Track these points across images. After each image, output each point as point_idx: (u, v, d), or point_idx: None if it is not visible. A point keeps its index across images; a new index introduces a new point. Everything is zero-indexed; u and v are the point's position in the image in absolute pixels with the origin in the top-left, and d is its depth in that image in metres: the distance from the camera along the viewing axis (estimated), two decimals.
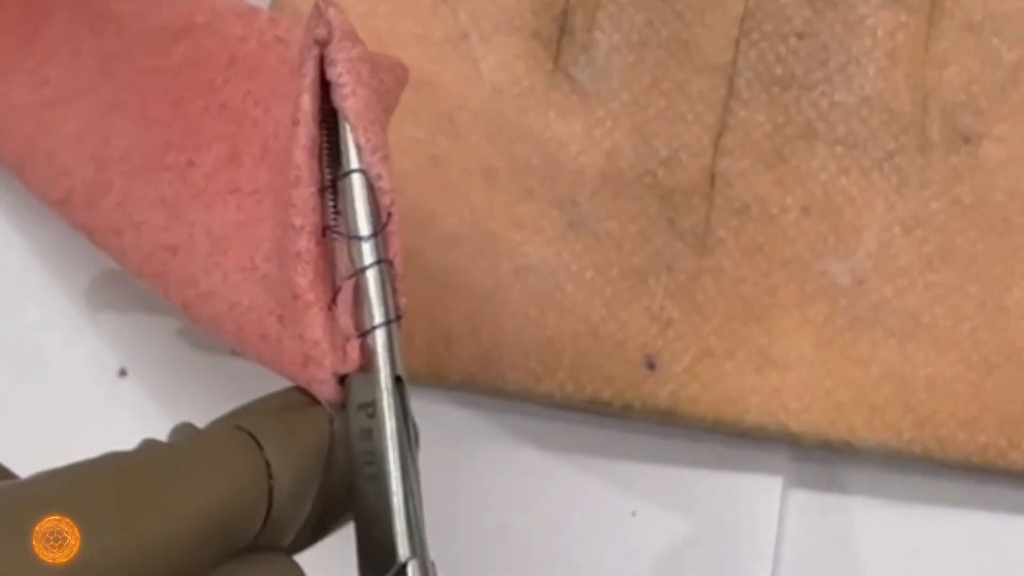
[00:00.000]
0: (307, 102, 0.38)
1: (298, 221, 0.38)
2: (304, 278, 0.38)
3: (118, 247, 0.45)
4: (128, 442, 0.48)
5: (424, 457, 0.38)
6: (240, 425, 0.36)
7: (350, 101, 0.37)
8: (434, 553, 0.37)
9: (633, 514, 0.48)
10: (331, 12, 0.38)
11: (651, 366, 0.47)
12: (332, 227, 0.37)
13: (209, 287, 0.42)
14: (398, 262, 0.38)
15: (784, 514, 0.48)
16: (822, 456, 0.48)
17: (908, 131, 0.47)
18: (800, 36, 0.47)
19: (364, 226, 0.37)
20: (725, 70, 0.47)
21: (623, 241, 0.47)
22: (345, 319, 0.37)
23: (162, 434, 0.48)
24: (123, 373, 0.49)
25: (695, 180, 0.47)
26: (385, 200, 0.37)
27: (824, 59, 0.47)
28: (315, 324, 0.38)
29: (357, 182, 0.37)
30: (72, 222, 0.46)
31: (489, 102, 0.47)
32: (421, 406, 0.38)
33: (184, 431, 0.37)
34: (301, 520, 0.36)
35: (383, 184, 0.37)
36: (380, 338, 0.37)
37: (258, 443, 0.36)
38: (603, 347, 0.47)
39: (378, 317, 0.37)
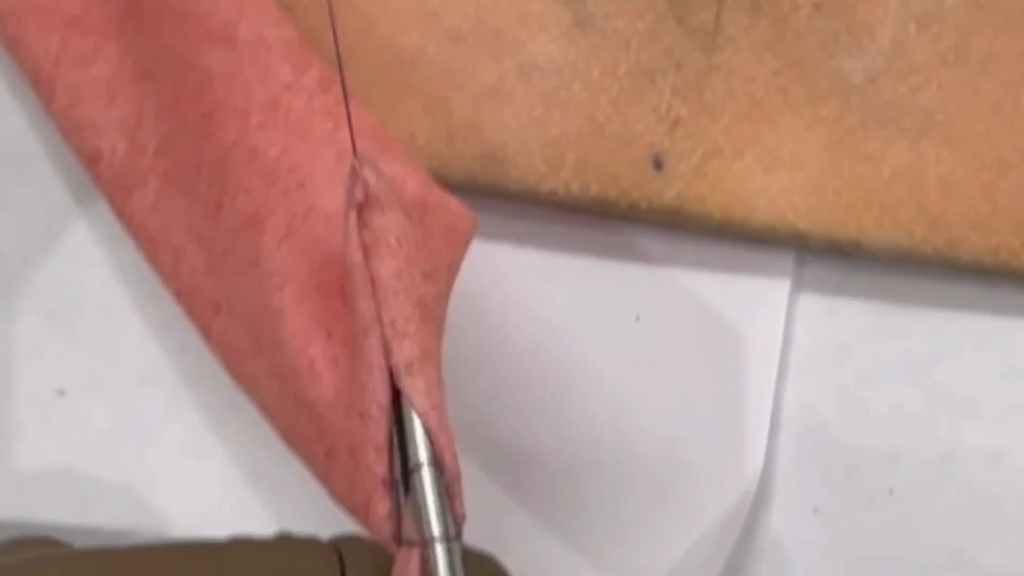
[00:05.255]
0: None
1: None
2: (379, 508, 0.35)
3: (153, 259, 0.42)
4: (66, 463, 0.46)
5: None
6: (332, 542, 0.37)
7: (377, 268, 0.35)
8: None
9: (637, 318, 0.47)
10: (365, 171, 0.36)
11: (658, 165, 0.46)
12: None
13: (255, 371, 0.39)
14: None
15: (791, 317, 0.47)
16: (830, 259, 0.47)
17: None
18: None
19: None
20: None
21: (631, 39, 0.46)
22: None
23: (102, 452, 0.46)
24: (61, 393, 0.47)
25: None
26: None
27: None
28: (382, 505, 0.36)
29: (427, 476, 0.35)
30: (101, 189, 0.43)
31: None
32: None
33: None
34: None
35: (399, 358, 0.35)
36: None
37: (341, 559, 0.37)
38: (609, 146, 0.46)
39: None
